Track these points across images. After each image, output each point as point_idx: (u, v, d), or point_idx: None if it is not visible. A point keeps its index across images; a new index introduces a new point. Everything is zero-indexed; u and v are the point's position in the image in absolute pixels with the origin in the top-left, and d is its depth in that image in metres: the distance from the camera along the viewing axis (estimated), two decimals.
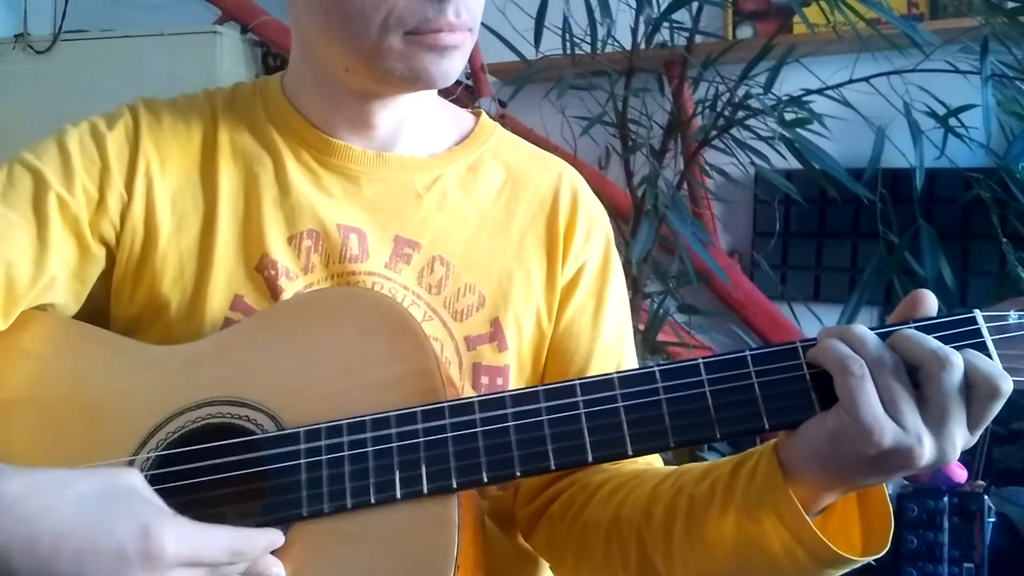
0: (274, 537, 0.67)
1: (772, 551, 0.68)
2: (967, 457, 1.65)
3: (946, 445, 0.62)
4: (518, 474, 0.68)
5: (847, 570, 0.68)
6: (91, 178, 0.82)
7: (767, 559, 0.68)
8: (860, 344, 0.64)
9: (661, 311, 2.01)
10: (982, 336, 0.65)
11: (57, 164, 0.81)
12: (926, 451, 0.62)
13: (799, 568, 0.67)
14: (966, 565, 1.61)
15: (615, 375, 0.69)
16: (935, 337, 0.64)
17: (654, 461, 0.88)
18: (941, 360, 0.62)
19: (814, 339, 0.67)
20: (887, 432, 0.62)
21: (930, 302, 0.67)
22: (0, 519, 0.59)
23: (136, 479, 0.65)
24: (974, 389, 0.62)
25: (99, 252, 0.83)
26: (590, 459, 0.68)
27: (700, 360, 0.68)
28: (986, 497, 1.63)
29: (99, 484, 0.62)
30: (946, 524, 1.61)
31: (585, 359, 0.90)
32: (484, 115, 0.96)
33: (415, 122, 0.89)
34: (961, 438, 0.62)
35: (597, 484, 0.85)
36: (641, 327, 1.95)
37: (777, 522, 0.67)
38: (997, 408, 0.62)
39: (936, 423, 0.62)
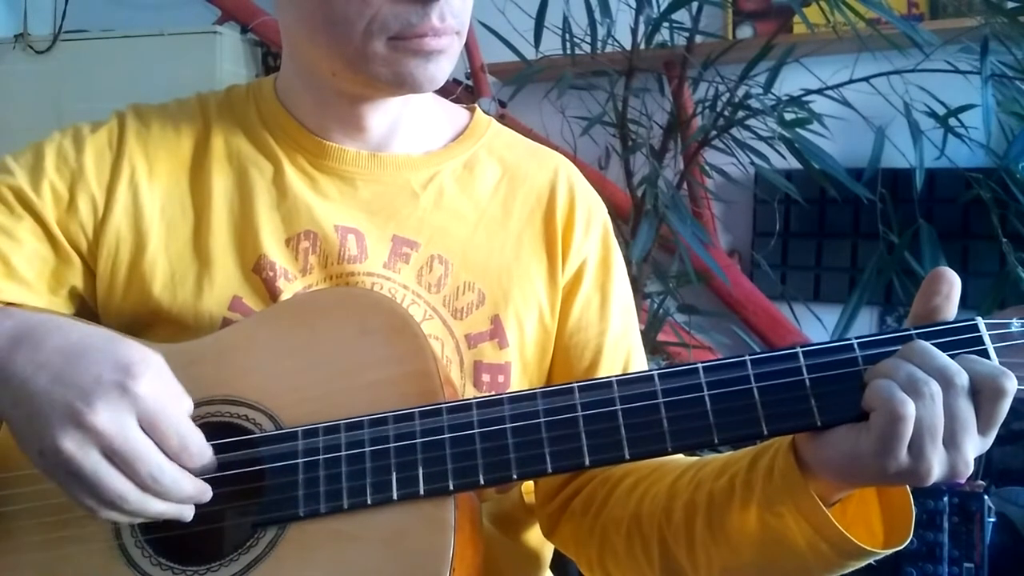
0: (206, 488, 0.68)
1: (795, 545, 0.68)
2: None
3: (957, 462, 0.63)
4: (515, 477, 0.68)
5: (870, 560, 0.69)
6: (62, 179, 0.83)
7: (791, 552, 0.69)
8: (917, 387, 0.63)
9: (661, 311, 2.00)
10: (984, 344, 0.65)
11: (29, 166, 0.83)
12: (936, 474, 0.63)
13: (823, 560, 0.68)
14: (966, 565, 1.61)
15: (613, 378, 0.69)
16: (937, 344, 0.64)
17: None
18: (945, 384, 0.62)
19: (814, 344, 0.67)
20: (903, 464, 0.62)
21: (947, 280, 0.66)
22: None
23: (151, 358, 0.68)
24: (980, 395, 0.62)
25: (72, 252, 0.84)
26: (587, 463, 0.68)
27: (699, 364, 0.68)
28: (986, 497, 1.63)
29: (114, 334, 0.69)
30: (946, 524, 1.61)
31: (595, 353, 0.90)
32: (479, 110, 0.96)
33: (409, 121, 0.88)
34: (973, 449, 0.63)
35: (617, 479, 0.85)
36: (641, 327, 1.95)
37: (799, 517, 0.68)
38: (1006, 407, 0.62)
39: (947, 445, 0.62)
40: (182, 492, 0.67)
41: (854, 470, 0.65)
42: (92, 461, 0.63)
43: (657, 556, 0.78)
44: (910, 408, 0.61)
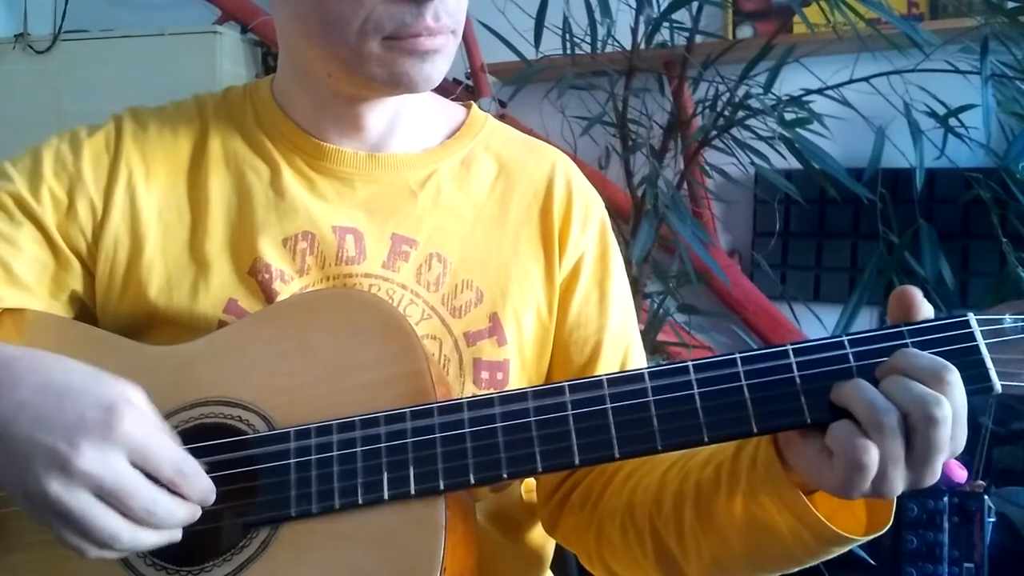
0: (209, 495, 0.68)
1: (779, 533, 0.69)
2: (967, 457, 1.65)
3: (921, 479, 0.63)
4: (504, 476, 0.68)
5: (853, 546, 0.70)
6: (60, 184, 0.83)
7: (775, 540, 0.70)
8: (877, 424, 0.62)
9: (661, 311, 2.00)
10: (975, 340, 0.64)
11: (28, 171, 0.83)
12: (899, 488, 0.63)
13: (807, 548, 0.69)
14: (966, 565, 1.60)
15: (604, 377, 0.69)
16: (929, 341, 0.64)
17: None
18: (927, 416, 0.60)
19: (804, 341, 0.67)
20: (866, 492, 0.63)
21: (920, 303, 0.66)
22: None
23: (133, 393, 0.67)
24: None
25: (71, 257, 0.84)
26: (577, 462, 0.68)
27: (690, 362, 0.68)
28: (986, 497, 1.63)
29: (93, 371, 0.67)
30: (946, 524, 1.61)
31: (594, 348, 0.90)
32: (475, 107, 0.96)
33: (406, 119, 0.88)
34: (941, 464, 0.63)
35: (613, 470, 0.86)
36: (641, 327, 1.95)
37: (782, 507, 0.69)
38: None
39: (917, 466, 0.62)
40: (175, 520, 0.66)
41: (821, 487, 0.66)
42: (81, 503, 0.62)
43: (650, 545, 0.79)
44: (873, 454, 0.61)
